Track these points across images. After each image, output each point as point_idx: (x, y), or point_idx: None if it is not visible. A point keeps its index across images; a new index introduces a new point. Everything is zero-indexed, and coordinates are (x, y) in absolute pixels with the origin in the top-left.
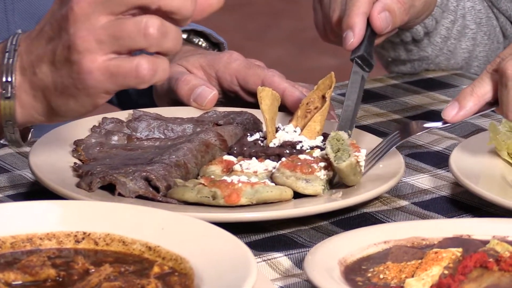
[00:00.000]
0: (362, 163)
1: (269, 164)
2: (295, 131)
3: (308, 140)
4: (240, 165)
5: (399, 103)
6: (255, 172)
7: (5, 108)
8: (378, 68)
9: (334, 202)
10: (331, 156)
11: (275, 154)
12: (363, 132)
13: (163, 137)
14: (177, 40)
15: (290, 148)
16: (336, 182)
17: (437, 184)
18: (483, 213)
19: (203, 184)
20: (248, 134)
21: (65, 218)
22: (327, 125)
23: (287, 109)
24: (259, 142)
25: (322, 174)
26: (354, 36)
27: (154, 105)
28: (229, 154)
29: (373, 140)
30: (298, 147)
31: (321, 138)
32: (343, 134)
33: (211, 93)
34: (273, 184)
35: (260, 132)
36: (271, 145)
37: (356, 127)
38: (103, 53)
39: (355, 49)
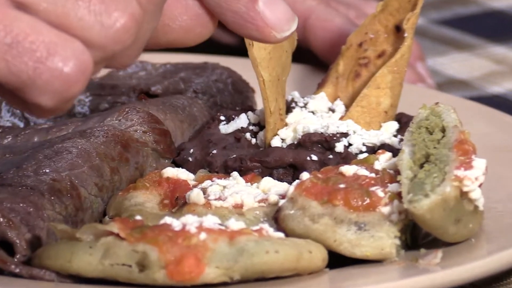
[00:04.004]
0: (477, 195)
1: (272, 188)
2: (331, 110)
3: (362, 130)
4: (203, 189)
5: None
6: (238, 206)
7: None
8: None
9: (424, 277)
10: (404, 183)
11: (285, 165)
12: (491, 111)
13: (22, 125)
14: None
15: (320, 149)
16: (427, 232)
17: None
18: None
19: (118, 235)
20: (222, 117)
21: None
22: (407, 95)
23: (313, 59)
24: (247, 136)
25: (395, 212)
26: None
27: None
28: (176, 163)
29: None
30: (338, 146)
31: (394, 125)
32: (447, 113)
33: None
34: (281, 234)
35: (249, 113)
36: (274, 142)
37: (479, 99)
38: None
39: None
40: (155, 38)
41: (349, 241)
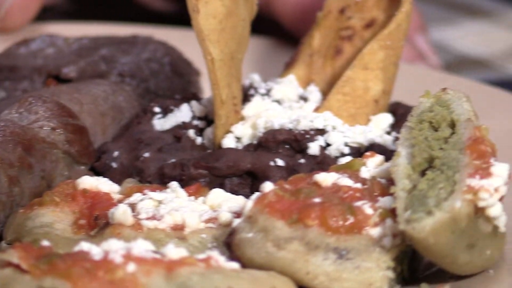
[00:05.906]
0: (497, 211)
1: (223, 203)
2: (303, 99)
3: (344, 125)
4: (132, 206)
5: None
6: (178, 228)
7: None
8: None
9: None
10: (399, 197)
11: (241, 172)
12: None
13: None
14: None
15: (288, 151)
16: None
17: None
18: None
19: (18, 266)
20: (157, 109)
21: None
22: (404, 78)
23: (278, 30)
24: (190, 133)
25: (388, 235)
26: None
27: None
28: (96, 171)
29: None
30: (312, 148)
31: (388, 119)
32: (458, 103)
33: None
34: (236, 264)
35: (193, 103)
36: (227, 142)
37: (502, 83)
38: None
39: None
40: None
41: (326, 273)
